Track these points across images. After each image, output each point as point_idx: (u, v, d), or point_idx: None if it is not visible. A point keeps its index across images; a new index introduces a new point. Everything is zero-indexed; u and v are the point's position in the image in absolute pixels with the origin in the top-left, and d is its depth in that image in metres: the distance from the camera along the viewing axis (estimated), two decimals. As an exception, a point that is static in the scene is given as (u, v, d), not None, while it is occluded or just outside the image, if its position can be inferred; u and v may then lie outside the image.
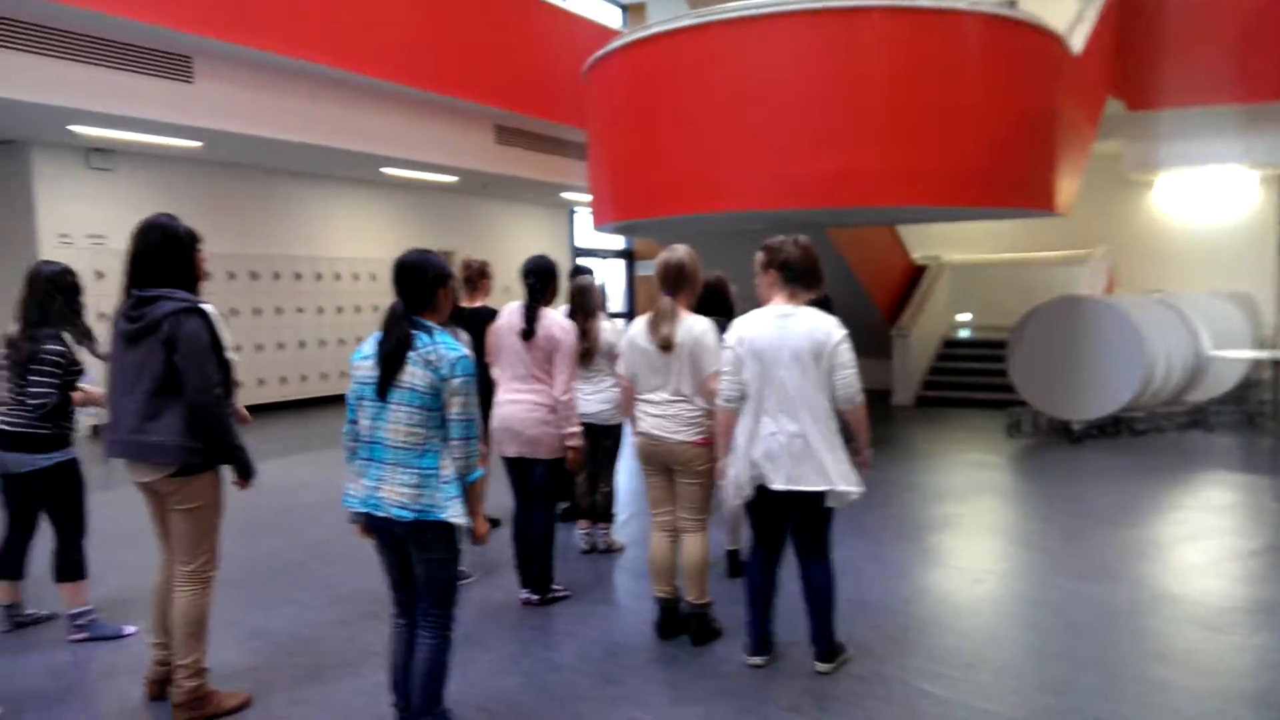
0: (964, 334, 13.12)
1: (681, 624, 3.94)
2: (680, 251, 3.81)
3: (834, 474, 3.37)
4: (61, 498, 3.99)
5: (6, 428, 3.89)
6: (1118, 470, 7.56)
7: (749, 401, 3.44)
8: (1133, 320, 8.46)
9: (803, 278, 3.49)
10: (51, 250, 8.83)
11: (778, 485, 3.38)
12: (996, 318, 11.99)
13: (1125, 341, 8.46)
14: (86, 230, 9.25)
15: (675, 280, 3.78)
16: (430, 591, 2.93)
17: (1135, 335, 8.41)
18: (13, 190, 8.98)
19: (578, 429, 4.27)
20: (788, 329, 3.39)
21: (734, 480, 3.49)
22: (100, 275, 9.11)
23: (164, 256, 3.18)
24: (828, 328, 3.39)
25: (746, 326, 3.47)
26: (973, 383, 11.40)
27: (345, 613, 4.38)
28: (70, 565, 4.00)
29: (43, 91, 6.99)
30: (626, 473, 6.70)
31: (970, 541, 5.62)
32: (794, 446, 3.35)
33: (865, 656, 3.74)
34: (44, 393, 3.80)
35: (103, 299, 8.98)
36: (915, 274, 12.61)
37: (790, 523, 3.56)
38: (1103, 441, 8.72)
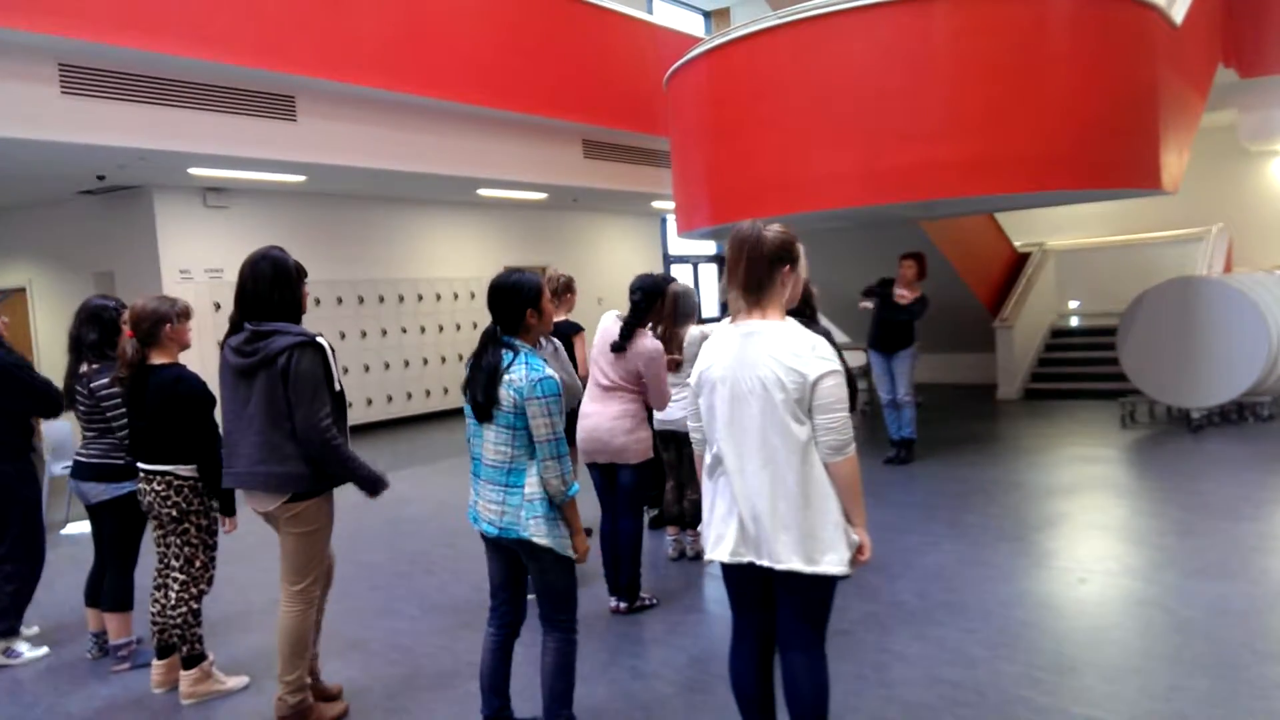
0: (1073, 322, 12.62)
1: None
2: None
3: (805, 546, 2.48)
4: (122, 528, 4.06)
5: (82, 459, 4.08)
6: (1240, 460, 7.16)
7: (709, 445, 2.67)
8: (1253, 300, 8.00)
9: (753, 281, 2.55)
10: (173, 285, 9.43)
11: (734, 556, 2.59)
12: (1107, 303, 11.50)
13: (1246, 322, 8.00)
14: (204, 265, 9.83)
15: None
16: (546, 598, 3.03)
17: (1257, 315, 7.94)
18: (138, 231, 9.62)
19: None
20: (748, 352, 2.54)
21: (706, 540, 2.72)
22: (218, 307, 9.70)
23: (274, 288, 3.25)
24: (803, 350, 2.46)
25: (706, 348, 2.70)
26: (1083, 373, 10.96)
27: (442, 623, 4.54)
28: (120, 596, 4.08)
29: (167, 139, 7.47)
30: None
31: (1076, 540, 5.42)
32: (755, 507, 2.53)
33: (960, 662, 3.67)
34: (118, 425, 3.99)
35: (221, 329, 9.56)
36: (1018, 262, 12.21)
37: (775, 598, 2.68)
38: (1225, 429, 8.27)
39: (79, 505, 4.24)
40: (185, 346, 3.87)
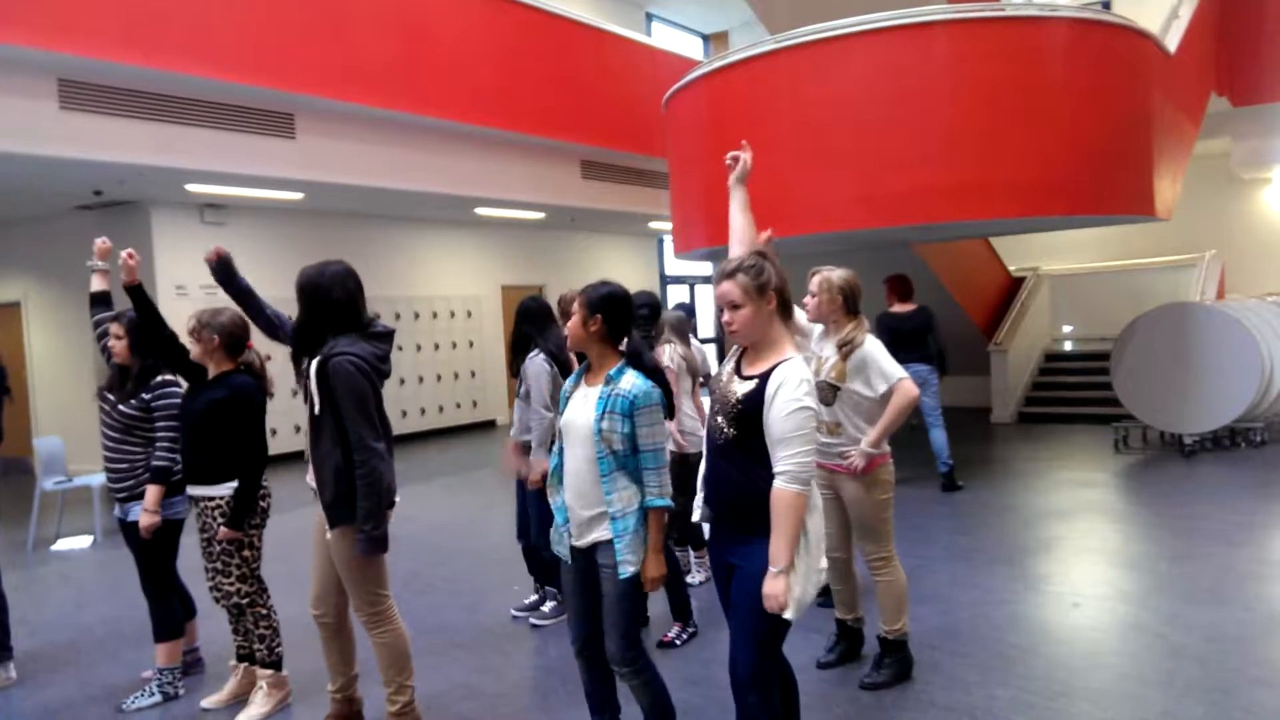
0: (1066, 346, 12.67)
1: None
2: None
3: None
4: (161, 548, 3.93)
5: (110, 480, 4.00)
6: (1233, 485, 7.18)
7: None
8: (1245, 325, 8.04)
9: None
10: (169, 301, 9.42)
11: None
12: (1101, 328, 11.53)
13: (1238, 348, 8.05)
14: (201, 282, 9.82)
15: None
16: None
17: (1249, 341, 7.98)
18: (134, 247, 9.54)
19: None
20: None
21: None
22: (214, 323, 9.67)
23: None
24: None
25: None
26: (1077, 397, 11.00)
27: (434, 643, 4.50)
28: (154, 623, 3.92)
29: (164, 155, 7.49)
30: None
31: (1070, 564, 5.42)
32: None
33: (953, 687, 3.66)
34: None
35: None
36: (1012, 286, 12.27)
37: None
38: (1218, 455, 8.29)
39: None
40: None
